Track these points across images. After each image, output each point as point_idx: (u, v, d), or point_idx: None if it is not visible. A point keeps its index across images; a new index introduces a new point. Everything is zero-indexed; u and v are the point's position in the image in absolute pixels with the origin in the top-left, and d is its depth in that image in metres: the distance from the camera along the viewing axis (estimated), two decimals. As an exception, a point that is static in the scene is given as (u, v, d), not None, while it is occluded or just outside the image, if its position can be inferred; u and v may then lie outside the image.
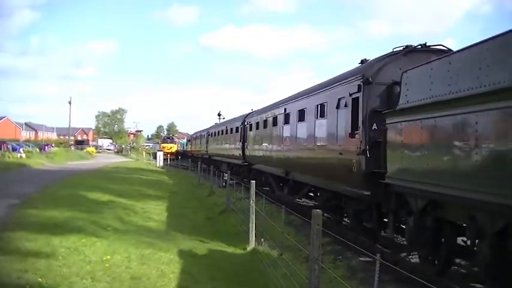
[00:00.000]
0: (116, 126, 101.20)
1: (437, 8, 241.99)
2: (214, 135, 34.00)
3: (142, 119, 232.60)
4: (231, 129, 26.71)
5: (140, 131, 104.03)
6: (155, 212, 13.57)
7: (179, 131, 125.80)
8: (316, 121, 11.71)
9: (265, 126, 18.21)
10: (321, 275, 5.32)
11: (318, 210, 5.39)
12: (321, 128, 11.35)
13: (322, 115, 11.42)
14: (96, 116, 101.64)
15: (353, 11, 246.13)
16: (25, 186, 17.01)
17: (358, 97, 9.03)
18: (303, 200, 16.08)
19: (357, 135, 9.03)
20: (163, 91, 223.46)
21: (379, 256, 4.72)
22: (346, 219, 11.40)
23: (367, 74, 8.94)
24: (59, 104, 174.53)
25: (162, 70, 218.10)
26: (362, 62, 10.10)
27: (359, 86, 9.02)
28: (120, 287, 6.10)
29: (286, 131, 14.93)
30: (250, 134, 21.38)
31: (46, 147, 51.69)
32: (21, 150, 39.82)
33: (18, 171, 25.78)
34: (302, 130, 13.09)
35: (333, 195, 10.80)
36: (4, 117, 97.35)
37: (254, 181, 11.16)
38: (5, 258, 6.78)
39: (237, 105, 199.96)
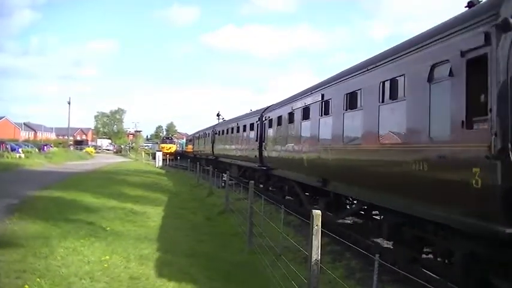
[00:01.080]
0: (115, 126, 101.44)
1: (436, 7, 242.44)
2: (223, 133, 29.62)
3: (141, 119, 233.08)
4: (244, 126, 22.71)
5: (139, 131, 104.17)
6: (154, 212, 13.55)
7: (178, 131, 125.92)
8: (382, 106, 7.81)
9: (291, 121, 14.12)
10: (320, 276, 5.33)
11: (317, 210, 5.38)
12: (392, 116, 7.59)
13: (393, 96, 7.52)
14: (95, 116, 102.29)
15: (353, 11, 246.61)
16: (24, 187, 16.98)
17: (484, 56, 5.25)
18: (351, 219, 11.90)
19: (482, 125, 5.36)
20: (163, 91, 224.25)
21: (378, 256, 4.72)
22: (425, 254, 7.44)
23: (504, 11, 5.06)
24: (58, 104, 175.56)
25: (162, 70, 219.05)
26: (470, 4, 6.06)
27: (487, 35, 5.17)
28: (119, 287, 6.10)
29: (325, 125, 10.76)
30: (270, 131, 17.40)
31: (45, 147, 51.71)
32: (20, 150, 39.83)
33: (17, 171, 25.74)
34: (353, 122, 9.11)
35: (409, 221, 7.12)
36: (3, 117, 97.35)
37: (253, 181, 11.13)
38: (3, 258, 6.77)
39: (237, 105, 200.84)
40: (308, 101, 12.30)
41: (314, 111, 11.68)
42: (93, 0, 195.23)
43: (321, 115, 11.08)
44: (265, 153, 17.92)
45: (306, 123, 12.40)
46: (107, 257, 7.28)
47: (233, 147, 25.55)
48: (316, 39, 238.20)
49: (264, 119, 18.80)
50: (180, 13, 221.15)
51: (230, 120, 30.11)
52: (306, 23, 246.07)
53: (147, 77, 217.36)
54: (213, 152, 32.97)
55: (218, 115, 45.75)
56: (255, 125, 20.26)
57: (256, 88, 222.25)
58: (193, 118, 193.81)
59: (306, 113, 12.46)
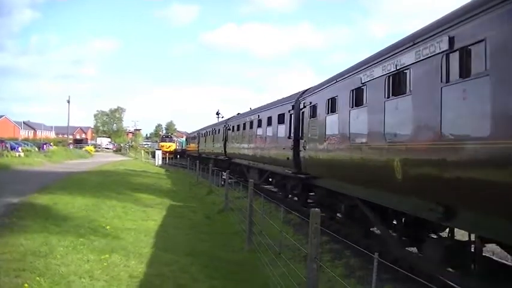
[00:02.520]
0: (114, 125, 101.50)
1: (436, 5, 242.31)
2: (238, 129, 23.95)
3: (141, 118, 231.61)
4: (269, 118, 17.24)
5: (139, 129, 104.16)
6: (153, 211, 13.55)
7: (178, 129, 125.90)
8: None
9: (358, 103, 8.68)
10: (319, 274, 5.33)
11: (316, 209, 5.38)
12: None
13: None
14: (95, 115, 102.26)
15: (353, 9, 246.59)
16: (24, 185, 16.95)
17: None
18: None
19: None
20: (163, 90, 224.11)
21: (377, 255, 4.72)
22: None
23: None
24: (58, 103, 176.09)
25: (161, 69, 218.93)
26: None
27: None
28: (119, 286, 6.09)
29: (457, 101, 5.51)
30: (314, 122, 11.82)
31: (45, 146, 51.59)
32: (19, 149, 39.72)
33: (16, 170, 25.69)
34: None
35: None
36: (3, 116, 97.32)
37: (252, 180, 11.12)
38: (3, 257, 6.76)
39: (236, 104, 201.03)
40: (406, 59, 6.71)
41: (423, 77, 6.22)
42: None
43: (446, 81, 5.66)
44: (304, 155, 12.61)
45: (397, 103, 7.05)
46: (107, 256, 7.27)
47: (253, 145, 20.11)
48: (316, 38, 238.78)
49: (302, 106, 13.32)
50: (179, 12, 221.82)
51: (248, 112, 23.70)
52: (306, 21, 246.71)
53: (147, 75, 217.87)
54: (225, 152, 27.56)
55: (217, 113, 45.73)
56: (287, 116, 14.80)
57: (257, 87, 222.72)
58: (193, 117, 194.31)
59: (397, 83, 7.09)
